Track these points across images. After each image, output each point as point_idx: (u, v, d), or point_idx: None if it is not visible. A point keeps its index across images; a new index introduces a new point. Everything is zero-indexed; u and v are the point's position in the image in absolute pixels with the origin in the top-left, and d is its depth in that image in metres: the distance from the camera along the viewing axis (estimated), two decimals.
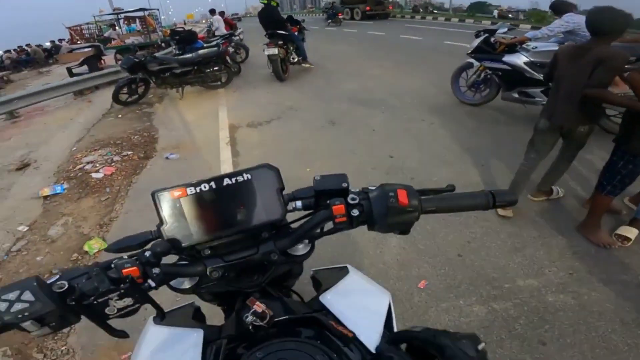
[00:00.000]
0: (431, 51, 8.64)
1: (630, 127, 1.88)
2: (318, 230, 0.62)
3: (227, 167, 3.42)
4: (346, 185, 0.61)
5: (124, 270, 0.50)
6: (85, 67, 8.19)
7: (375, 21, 20.56)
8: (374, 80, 6.08)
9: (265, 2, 6.27)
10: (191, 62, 5.84)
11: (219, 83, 6.26)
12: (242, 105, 5.38)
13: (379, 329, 0.61)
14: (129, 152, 4.05)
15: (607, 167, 2.01)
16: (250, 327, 0.56)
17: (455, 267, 2.02)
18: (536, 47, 3.68)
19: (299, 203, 0.62)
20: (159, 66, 5.72)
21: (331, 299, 0.67)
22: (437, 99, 4.83)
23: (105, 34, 13.72)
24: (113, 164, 3.81)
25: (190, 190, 0.57)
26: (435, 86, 5.34)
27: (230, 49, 7.21)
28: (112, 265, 0.52)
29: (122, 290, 0.50)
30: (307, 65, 7.03)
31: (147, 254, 0.53)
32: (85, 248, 2.53)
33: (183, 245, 0.56)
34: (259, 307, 0.57)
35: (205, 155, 3.78)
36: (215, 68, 6.01)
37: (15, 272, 2.44)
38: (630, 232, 2.07)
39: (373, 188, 0.61)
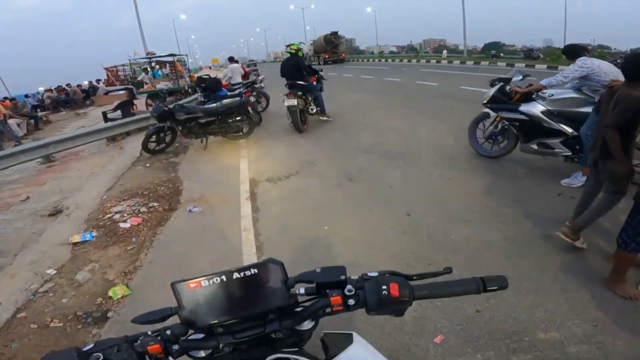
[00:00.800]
0: (447, 98, 8.81)
1: None
2: (320, 312, 0.70)
3: (246, 223, 3.53)
4: (344, 277, 0.70)
5: (148, 347, 0.60)
6: (118, 112, 8.78)
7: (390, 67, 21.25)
8: (390, 132, 6.22)
9: (292, 52, 6.62)
10: (215, 112, 6.16)
11: (241, 134, 6.51)
12: (262, 158, 5.58)
13: None
14: (155, 204, 4.23)
15: (629, 224, 2.03)
16: None
17: (474, 322, 1.99)
18: (552, 95, 3.66)
19: (302, 289, 0.70)
20: (185, 115, 6.04)
21: None
22: (455, 151, 4.87)
23: (139, 78, 14.77)
24: (140, 214, 3.99)
25: (204, 282, 0.65)
26: (453, 136, 5.40)
27: (252, 99, 7.55)
28: (139, 341, 0.61)
29: None
30: (325, 118, 7.16)
31: (168, 332, 0.63)
32: (110, 294, 2.67)
33: (198, 326, 0.65)
34: None
35: (226, 210, 3.91)
36: (238, 118, 6.30)
37: (40, 311, 2.59)
38: None
39: (371, 275, 0.70)
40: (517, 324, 1.96)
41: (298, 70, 6.47)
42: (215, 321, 0.66)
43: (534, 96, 3.76)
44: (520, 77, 4.15)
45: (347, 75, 19.01)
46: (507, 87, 3.99)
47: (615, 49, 27.58)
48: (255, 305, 0.67)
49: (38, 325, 2.46)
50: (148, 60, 14.14)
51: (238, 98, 6.58)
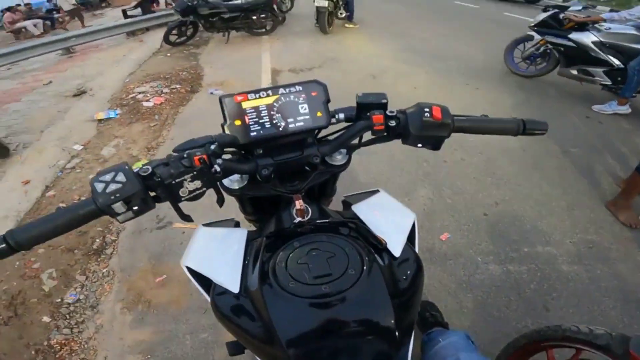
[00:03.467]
0: (487, 21, 8.11)
1: None
2: (356, 141, 0.70)
3: None
4: (385, 101, 0.70)
5: (195, 157, 0.58)
6: (139, 10, 8.48)
7: None
8: (420, 42, 5.88)
9: None
10: (240, 8, 5.94)
11: (264, 30, 6.35)
12: (284, 52, 5.43)
13: (402, 242, 0.68)
14: (177, 86, 4.26)
15: None
16: (292, 224, 0.66)
17: (479, 225, 2.07)
18: (609, 28, 3.49)
19: (341, 115, 0.71)
20: (209, 10, 5.85)
21: (363, 210, 0.75)
22: (486, 66, 4.64)
23: None
24: (162, 95, 4.05)
25: (251, 96, 0.65)
26: (486, 54, 5.10)
27: None
28: (185, 155, 0.59)
29: (195, 172, 0.58)
30: (351, 25, 6.89)
31: (213, 147, 0.61)
32: (133, 168, 2.79)
33: (241, 142, 0.65)
34: (300, 204, 0.66)
35: None
36: (262, 15, 6.10)
37: (68, 188, 2.62)
38: None
39: (413, 105, 0.70)
40: (519, 233, 2.01)
41: None
42: (257, 138, 0.65)
43: (588, 27, 3.58)
44: (579, 8, 3.99)
45: None
46: (561, 15, 3.81)
47: None
48: (297, 123, 0.66)
49: (66, 204, 2.54)
50: None
51: None
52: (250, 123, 0.65)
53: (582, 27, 3.62)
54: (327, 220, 0.69)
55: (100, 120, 3.61)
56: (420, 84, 4.02)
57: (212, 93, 4.01)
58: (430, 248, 1.92)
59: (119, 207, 0.54)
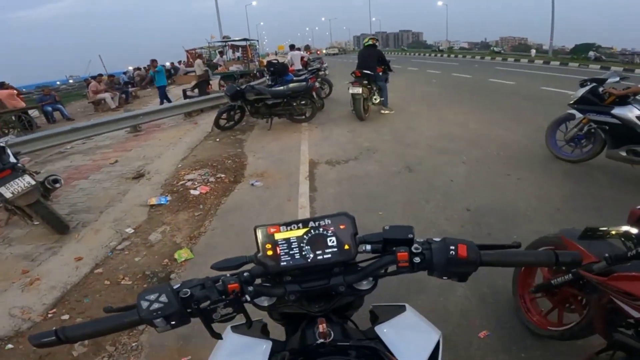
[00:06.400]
0: (524, 98, 8.09)
1: None
2: (382, 271, 0.72)
3: (303, 200, 3.67)
4: (411, 236, 0.72)
5: (229, 285, 0.67)
6: (196, 91, 9.61)
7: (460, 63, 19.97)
8: (456, 127, 5.95)
9: (371, 43, 6.85)
10: (282, 94, 6.42)
11: (304, 117, 6.75)
12: (322, 142, 5.71)
13: None
14: (222, 175, 4.56)
15: None
16: (314, 344, 0.69)
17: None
18: None
19: (368, 247, 0.74)
20: (255, 96, 6.36)
21: (386, 331, 0.76)
22: (528, 153, 4.50)
23: (214, 60, 15.79)
24: (208, 184, 4.31)
25: (283, 229, 0.71)
26: (527, 138, 4.98)
27: (317, 84, 7.75)
28: (220, 281, 0.67)
29: (228, 301, 0.65)
30: (387, 111, 7.11)
31: (246, 274, 0.70)
32: (175, 256, 2.87)
33: (272, 271, 0.71)
34: (324, 327, 0.68)
35: (285, 187, 4.10)
36: (302, 102, 6.53)
37: (115, 268, 2.79)
38: None
39: (437, 240, 0.71)
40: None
41: (373, 59, 6.64)
42: (286, 268, 0.70)
43: (630, 99, 3.37)
44: (617, 79, 3.72)
45: (413, 68, 18.38)
46: (600, 89, 3.60)
47: None
48: (325, 256, 0.71)
49: (110, 282, 2.63)
50: (223, 44, 15.04)
51: (304, 83, 6.78)
52: (281, 253, 0.70)
53: (624, 100, 3.38)
54: (347, 344, 0.71)
55: (152, 206, 3.86)
56: (457, 176, 3.97)
57: (253, 184, 4.25)
58: (467, 346, 1.78)
59: (159, 322, 0.63)
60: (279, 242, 0.71)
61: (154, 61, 10.59)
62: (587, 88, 3.69)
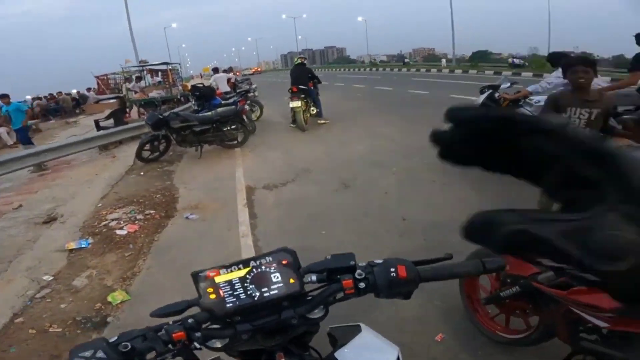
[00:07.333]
0: (439, 106, 8.88)
1: None
2: (332, 298, 0.74)
3: (245, 229, 3.56)
4: (353, 263, 0.74)
5: (174, 334, 0.63)
6: (111, 121, 8.74)
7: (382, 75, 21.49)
8: (384, 139, 6.35)
9: (300, 62, 7.97)
10: (210, 120, 6.18)
11: (236, 142, 6.55)
12: (257, 166, 5.62)
13: None
14: (152, 211, 4.23)
15: None
16: None
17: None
18: (539, 101, 3.74)
19: (314, 277, 0.74)
20: (180, 123, 6.03)
21: (346, 354, 0.78)
22: None
23: (130, 86, 14.70)
24: (136, 222, 4.00)
25: (223, 272, 0.69)
26: None
27: (247, 107, 7.63)
28: (163, 330, 0.63)
29: (176, 351, 0.62)
30: (322, 121, 7.83)
31: (190, 321, 0.66)
32: (109, 299, 2.70)
33: (218, 315, 0.68)
34: None
35: (223, 217, 3.94)
36: (233, 127, 6.36)
37: (38, 316, 2.59)
38: None
39: (378, 262, 0.74)
40: None
41: (304, 76, 7.60)
42: (233, 309, 0.69)
43: (521, 103, 3.86)
44: (508, 85, 4.27)
45: (339, 84, 19.27)
46: (496, 94, 4.10)
47: (598, 55, 28.29)
48: (271, 292, 0.70)
49: (37, 331, 2.46)
50: (140, 68, 14.11)
51: (233, 106, 6.63)
52: (226, 296, 0.68)
53: (516, 103, 3.81)
54: None
55: (71, 250, 3.52)
56: (390, 187, 4.20)
57: (187, 218, 4.00)
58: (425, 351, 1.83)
59: None
60: (221, 285, 0.69)
61: (3, 97, 7.48)
62: (486, 95, 4.17)
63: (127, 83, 13.79)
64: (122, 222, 3.98)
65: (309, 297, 0.75)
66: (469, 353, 1.86)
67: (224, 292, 0.69)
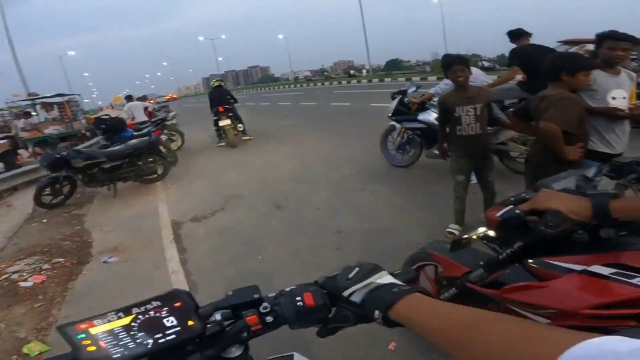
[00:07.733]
0: (360, 116, 9.58)
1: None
2: (244, 334, 0.68)
3: (174, 265, 3.33)
4: (257, 296, 0.69)
5: None
6: (1, 165, 7.52)
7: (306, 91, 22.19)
8: (311, 154, 6.48)
9: (219, 84, 8.55)
10: (121, 154, 5.56)
11: (155, 176, 5.99)
12: (182, 198, 5.29)
13: None
14: (60, 259, 3.75)
15: None
16: None
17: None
18: None
19: (218, 316, 0.68)
20: (84, 161, 5.29)
21: None
22: (372, 165, 5.18)
23: (16, 122, 12.67)
24: (43, 272, 3.57)
25: (98, 322, 0.60)
26: (369, 152, 5.68)
27: (164, 137, 7.01)
28: None
29: None
30: (247, 138, 8.51)
31: None
32: (25, 350, 2.56)
33: None
34: None
35: (148, 256, 3.62)
36: (149, 160, 5.80)
37: None
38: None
39: (287, 290, 0.69)
40: None
41: (224, 97, 8.18)
42: (123, 358, 0.61)
43: (427, 105, 4.12)
44: (414, 89, 4.57)
45: (265, 103, 19.34)
46: (405, 99, 4.34)
47: (485, 56, 33.32)
48: (166, 337, 0.63)
49: None
50: (30, 102, 12.39)
51: (146, 137, 6.13)
52: (109, 347, 0.60)
53: (423, 106, 4.03)
54: None
55: None
56: (322, 202, 4.27)
57: (106, 262, 3.61)
58: None
59: None
60: (100, 336, 0.60)
61: None
62: (396, 100, 4.39)
63: (16, 120, 11.95)
64: (25, 274, 3.55)
65: (217, 338, 0.69)
66: (424, 356, 1.91)
67: (105, 343, 0.60)
